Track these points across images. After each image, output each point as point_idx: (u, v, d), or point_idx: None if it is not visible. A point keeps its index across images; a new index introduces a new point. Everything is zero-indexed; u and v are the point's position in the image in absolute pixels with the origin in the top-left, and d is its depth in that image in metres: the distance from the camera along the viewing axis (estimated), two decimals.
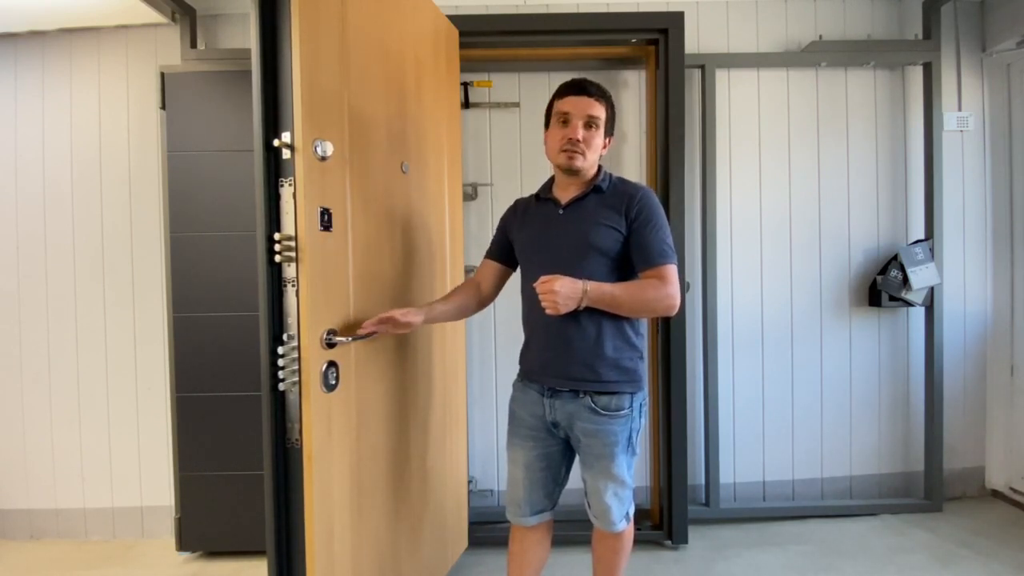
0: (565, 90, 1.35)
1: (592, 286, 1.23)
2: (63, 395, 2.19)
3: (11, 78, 2.17)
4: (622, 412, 1.32)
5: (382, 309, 1.42)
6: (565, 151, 1.32)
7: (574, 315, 1.28)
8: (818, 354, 2.34)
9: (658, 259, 1.28)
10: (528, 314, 1.41)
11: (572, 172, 1.35)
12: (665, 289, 1.26)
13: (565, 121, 1.33)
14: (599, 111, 1.32)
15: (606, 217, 1.32)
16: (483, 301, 1.51)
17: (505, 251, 1.50)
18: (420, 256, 1.64)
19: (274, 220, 1.20)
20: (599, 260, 1.31)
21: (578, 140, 1.31)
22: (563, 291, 1.20)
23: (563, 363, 1.33)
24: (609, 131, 1.38)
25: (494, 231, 1.55)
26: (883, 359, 2.35)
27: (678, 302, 1.27)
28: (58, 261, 2.18)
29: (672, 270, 1.28)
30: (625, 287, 1.27)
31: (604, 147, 1.38)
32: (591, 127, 1.32)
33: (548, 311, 1.22)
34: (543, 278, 1.23)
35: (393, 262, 1.49)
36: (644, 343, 1.39)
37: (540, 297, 1.23)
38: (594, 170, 1.38)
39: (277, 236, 1.17)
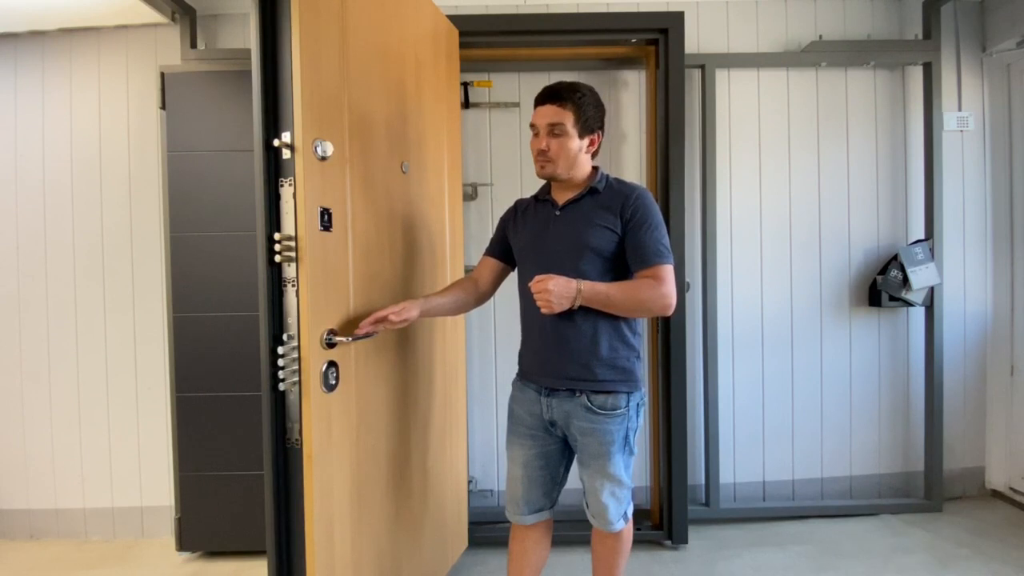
0: (536, 100, 1.36)
1: (586, 285, 1.24)
2: (63, 395, 2.19)
3: (11, 78, 2.17)
4: (618, 411, 1.32)
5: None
6: (537, 161, 1.35)
7: (570, 314, 1.29)
8: (818, 354, 2.34)
9: (654, 259, 1.28)
10: (525, 314, 1.42)
11: (549, 179, 1.38)
12: (660, 289, 1.26)
13: (536, 133, 1.35)
14: (562, 116, 1.31)
15: (601, 218, 1.32)
16: (480, 297, 1.51)
17: (503, 249, 1.50)
18: (420, 256, 1.64)
19: (274, 220, 1.20)
20: (595, 260, 1.32)
21: (544, 150, 1.32)
22: (557, 290, 1.21)
23: (559, 362, 1.33)
24: (589, 130, 1.35)
25: (494, 230, 1.56)
26: (883, 359, 2.35)
27: (674, 302, 1.27)
28: (58, 261, 2.18)
29: (668, 270, 1.28)
30: (620, 286, 1.27)
31: (592, 144, 1.37)
32: (557, 134, 1.32)
33: (543, 310, 1.23)
34: (537, 277, 1.24)
35: (393, 262, 1.49)
36: (641, 343, 1.40)
37: (535, 296, 1.24)
38: (582, 172, 1.38)
39: (277, 236, 1.17)
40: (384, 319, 1.28)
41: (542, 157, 1.34)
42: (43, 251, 2.18)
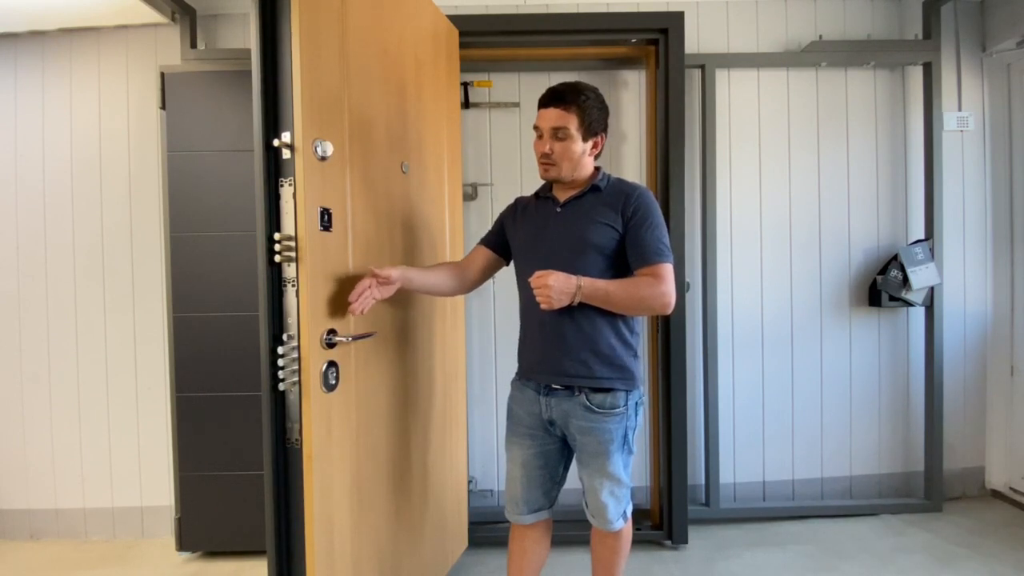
0: (539, 103, 1.35)
1: (586, 282, 1.25)
2: (63, 395, 2.19)
3: (11, 78, 2.17)
4: (617, 410, 1.32)
5: (382, 309, 1.42)
6: (541, 164, 1.35)
7: (569, 312, 1.29)
8: (818, 354, 2.34)
9: (653, 257, 1.28)
10: (524, 311, 1.42)
11: (553, 182, 1.38)
12: (660, 287, 1.26)
13: (540, 136, 1.35)
14: (567, 120, 1.31)
15: (602, 215, 1.33)
16: (465, 284, 1.49)
17: (499, 242, 1.51)
18: (420, 256, 1.64)
19: (274, 220, 1.20)
20: (595, 258, 1.32)
21: (548, 153, 1.32)
22: (556, 286, 1.22)
23: (558, 359, 1.33)
24: (592, 132, 1.35)
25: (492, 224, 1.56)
26: (883, 359, 2.35)
27: (672, 300, 1.27)
28: (58, 261, 2.18)
29: (667, 268, 1.29)
30: (619, 284, 1.27)
31: (595, 146, 1.37)
32: (561, 138, 1.32)
33: (542, 305, 1.24)
34: (537, 273, 1.24)
35: (393, 262, 1.49)
36: (639, 342, 1.40)
37: (534, 292, 1.24)
38: (584, 173, 1.38)
39: (277, 236, 1.17)
40: (371, 276, 1.25)
41: (545, 160, 1.34)
42: (43, 251, 2.18)
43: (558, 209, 1.38)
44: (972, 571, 1.86)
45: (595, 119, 1.34)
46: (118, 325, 2.19)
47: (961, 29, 2.35)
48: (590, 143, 1.35)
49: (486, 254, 1.51)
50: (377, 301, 1.30)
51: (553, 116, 1.31)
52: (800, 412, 2.34)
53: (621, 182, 1.39)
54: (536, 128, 1.35)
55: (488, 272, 1.52)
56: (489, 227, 1.58)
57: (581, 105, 1.31)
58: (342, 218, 1.26)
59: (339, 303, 1.25)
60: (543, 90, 1.35)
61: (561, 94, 1.31)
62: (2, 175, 2.17)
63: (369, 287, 1.26)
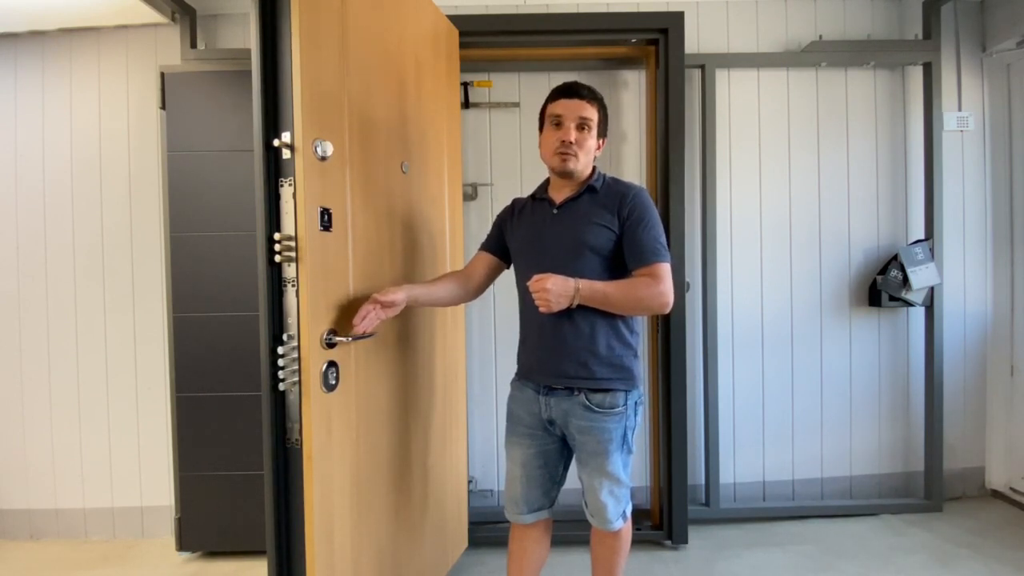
0: (557, 93, 1.37)
1: (584, 284, 1.25)
2: (63, 395, 2.19)
3: (11, 78, 2.17)
4: (616, 410, 1.32)
5: None
6: (559, 153, 1.34)
7: (568, 313, 1.29)
8: (818, 354, 2.33)
9: (651, 257, 1.29)
10: (524, 313, 1.42)
11: (566, 174, 1.36)
12: (657, 287, 1.27)
13: (558, 124, 1.35)
14: (591, 113, 1.34)
15: (599, 216, 1.33)
16: (471, 291, 1.50)
17: (499, 246, 1.51)
18: (420, 256, 1.64)
19: (274, 220, 1.20)
20: (593, 259, 1.32)
21: (571, 142, 1.32)
22: (555, 289, 1.22)
23: (557, 361, 1.33)
24: (602, 133, 1.39)
25: (491, 227, 1.56)
26: (883, 359, 2.35)
27: (671, 300, 1.28)
28: (58, 261, 2.18)
29: (664, 268, 1.29)
30: (617, 285, 1.27)
31: (598, 148, 1.40)
32: (583, 129, 1.34)
33: (541, 309, 1.24)
34: (535, 277, 1.25)
35: (393, 262, 1.49)
36: (639, 341, 1.40)
37: (533, 295, 1.24)
38: (588, 171, 1.39)
39: (277, 236, 1.17)
40: (373, 304, 1.25)
41: (567, 149, 1.33)
42: (43, 251, 2.18)
43: (555, 211, 1.39)
44: (972, 571, 1.86)
45: (604, 121, 1.39)
46: (118, 325, 2.19)
47: (961, 29, 2.35)
48: (599, 142, 1.39)
49: (488, 259, 1.51)
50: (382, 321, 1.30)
51: (579, 106, 1.33)
52: (800, 412, 2.34)
53: (616, 182, 1.39)
54: (554, 116, 1.35)
55: (491, 277, 1.53)
56: (489, 227, 1.58)
57: (600, 103, 1.37)
58: (342, 218, 1.26)
59: (339, 303, 1.25)
60: (543, 90, 1.37)
61: (586, 88, 1.35)
62: (2, 175, 2.17)
63: (373, 309, 1.25)
